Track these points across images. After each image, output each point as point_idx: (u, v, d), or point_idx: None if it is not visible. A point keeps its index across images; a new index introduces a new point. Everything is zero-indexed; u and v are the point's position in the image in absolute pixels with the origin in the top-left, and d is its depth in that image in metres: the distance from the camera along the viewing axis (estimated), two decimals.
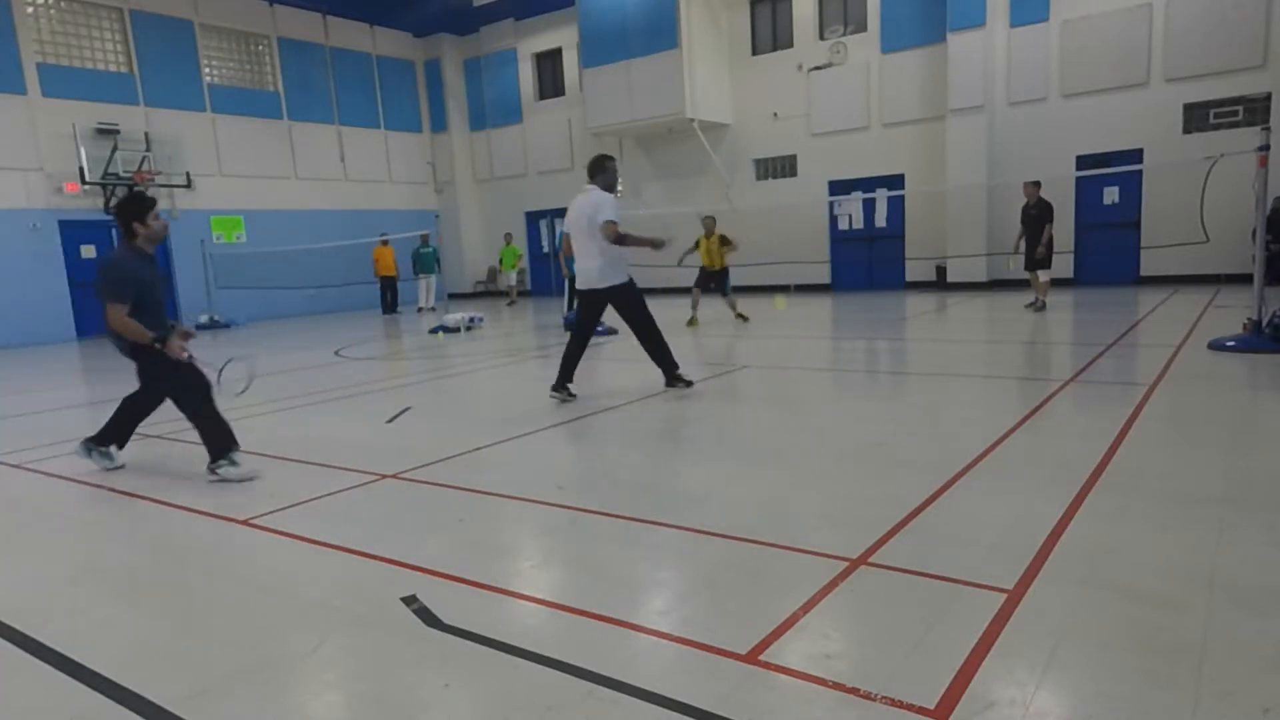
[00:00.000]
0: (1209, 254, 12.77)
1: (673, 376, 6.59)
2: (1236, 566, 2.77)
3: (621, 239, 6.15)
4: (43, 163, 15.25)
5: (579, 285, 6.50)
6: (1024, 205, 11.64)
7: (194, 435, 6.03)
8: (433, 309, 17.13)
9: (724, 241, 12.00)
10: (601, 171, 6.44)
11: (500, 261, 20.34)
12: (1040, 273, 11.51)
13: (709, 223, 12.15)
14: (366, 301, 19.37)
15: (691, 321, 11.95)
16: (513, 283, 20.06)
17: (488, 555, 3.32)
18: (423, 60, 22.63)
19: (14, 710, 2.29)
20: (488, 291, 23.04)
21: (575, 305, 12.54)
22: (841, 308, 14.08)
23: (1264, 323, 7.12)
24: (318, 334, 14.29)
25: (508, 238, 20.33)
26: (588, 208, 6.28)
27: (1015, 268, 12.35)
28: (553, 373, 6.75)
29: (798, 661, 2.29)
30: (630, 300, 6.42)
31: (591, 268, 6.33)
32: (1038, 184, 11.45)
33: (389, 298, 18.04)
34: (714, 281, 12.24)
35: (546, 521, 3.71)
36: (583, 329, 6.59)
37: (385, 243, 17.75)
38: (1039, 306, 11.46)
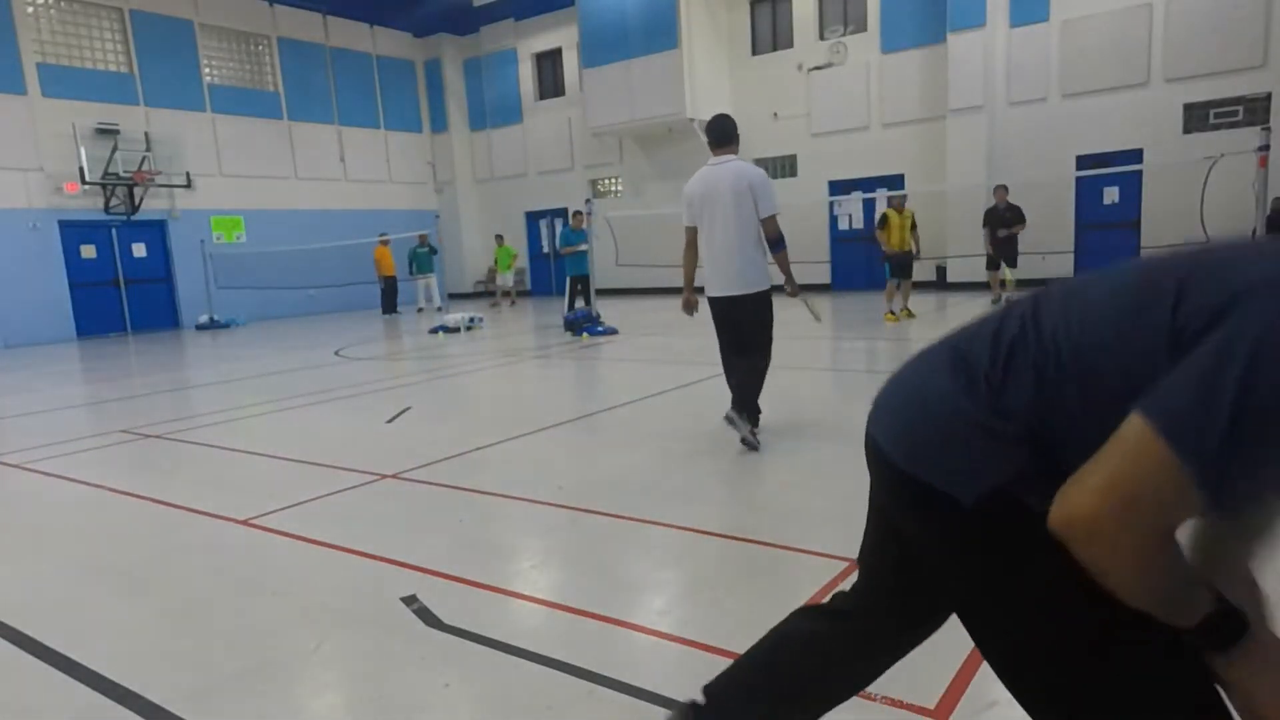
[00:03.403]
0: None
1: (748, 416, 4.73)
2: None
3: (782, 241, 4.73)
4: (43, 163, 15.24)
5: (708, 290, 4.86)
6: (992, 208, 12.15)
7: (193, 435, 6.06)
8: (438, 309, 17.12)
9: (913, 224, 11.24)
10: (737, 136, 4.78)
11: (495, 263, 20.03)
12: (1006, 269, 12.00)
13: (899, 200, 11.33)
14: (366, 301, 19.36)
15: (894, 315, 11.25)
16: (509, 284, 19.87)
17: (488, 555, 3.32)
18: (423, 60, 22.63)
19: (14, 710, 2.29)
20: (488, 291, 23.04)
21: (575, 305, 12.71)
22: (841, 307, 14.08)
23: None
24: (318, 334, 14.29)
25: (499, 239, 20.08)
26: (741, 183, 4.61)
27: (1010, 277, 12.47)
28: (552, 372, 6.74)
29: None
30: (765, 312, 4.83)
31: (731, 265, 4.69)
32: (1005, 187, 12.10)
33: (390, 298, 18.04)
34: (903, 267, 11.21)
35: (546, 521, 3.71)
36: (727, 350, 4.96)
37: (385, 243, 17.74)
38: (999, 300, 11.94)
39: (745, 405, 4.73)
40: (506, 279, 19.70)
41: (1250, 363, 0.81)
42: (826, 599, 1.60)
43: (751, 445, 4.62)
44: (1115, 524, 0.87)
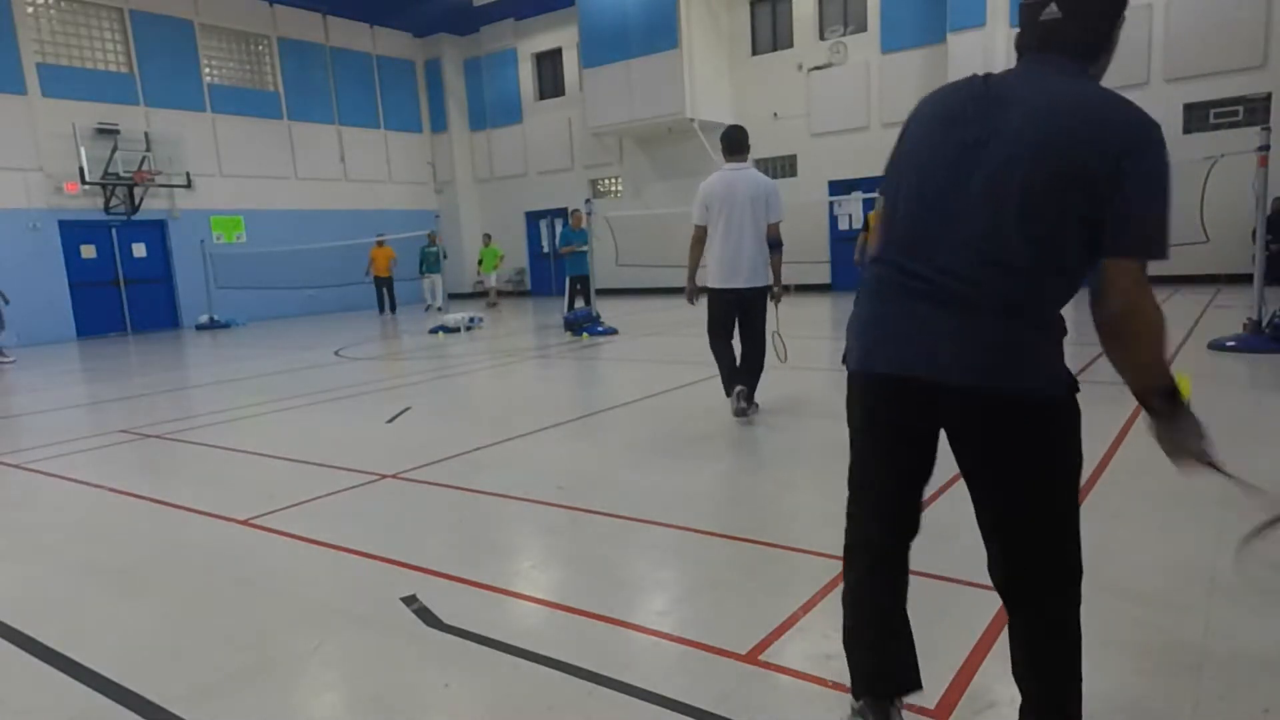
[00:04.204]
0: (1209, 254, 12.73)
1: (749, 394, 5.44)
2: (1236, 567, 2.76)
3: (781, 244, 5.27)
4: (43, 163, 15.23)
5: (715, 283, 5.28)
6: None
7: (193, 435, 6.06)
8: (439, 308, 17.11)
9: None
10: (749, 146, 5.37)
11: (480, 263, 19.74)
12: None
13: None
14: (366, 301, 19.32)
15: None
16: (493, 284, 19.61)
17: (488, 555, 3.32)
18: (423, 60, 22.62)
19: (14, 710, 2.29)
20: (486, 292, 23.00)
21: (575, 305, 12.70)
22: (841, 307, 14.07)
23: (1264, 323, 7.12)
24: (318, 334, 14.29)
25: (486, 238, 19.93)
26: (758, 190, 5.15)
27: None
28: (552, 372, 6.75)
29: (798, 661, 2.29)
30: (765, 303, 5.39)
31: (743, 262, 5.17)
32: None
33: (386, 298, 18.02)
34: None
35: (546, 521, 3.71)
36: (721, 332, 5.42)
37: (381, 243, 17.70)
38: None
39: (754, 377, 5.39)
40: (489, 279, 19.53)
41: (1162, 192, 1.45)
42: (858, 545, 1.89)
43: (745, 413, 5.33)
44: (1149, 299, 1.45)
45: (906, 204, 1.62)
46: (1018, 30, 1.65)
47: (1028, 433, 1.54)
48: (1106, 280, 1.46)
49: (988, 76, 1.63)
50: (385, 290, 17.96)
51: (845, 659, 1.90)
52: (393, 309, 18.11)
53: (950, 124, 1.61)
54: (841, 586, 1.91)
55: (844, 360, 1.76)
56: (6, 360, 11.73)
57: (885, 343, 1.62)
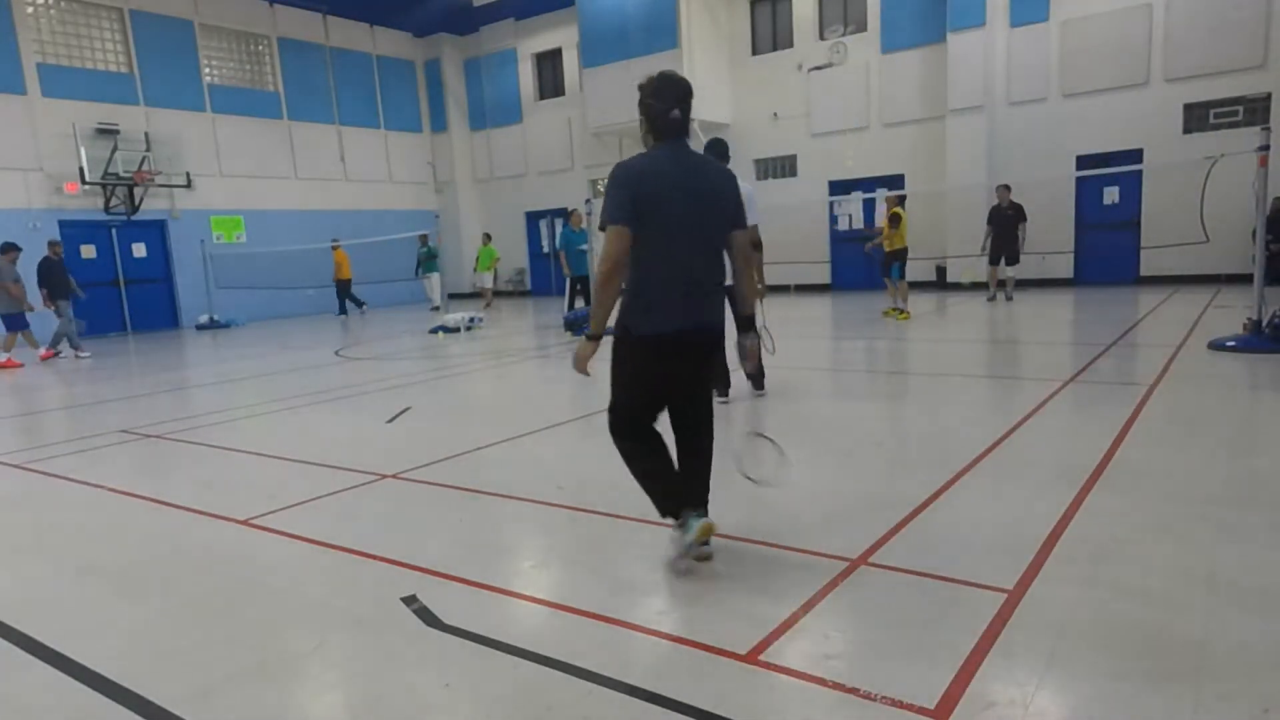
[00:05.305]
0: (1209, 254, 12.75)
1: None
2: (1236, 566, 2.77)
3: (760, 246, 5.99)
4: (43, 163, 15.23)
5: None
6: (995, 206, 12.88)
7: (193, 435, 6.06)
8: (435, 308, 17.08)
9: (894, 221, 11.21)
10: (729, 158, 5.97)
11: (476, 262, 19.66)
12: (1009, 269, 12.82)
13: (891, 199, 11.50)
14: (369, 302, 19.34)
15: (889, 312, 11.37)
16: (488, 284, 19.44)
17: (488, 555, 3.32)
18: (423, 60, 22.62)
19: (14, 709, 2.29)
20: (481, 292, 22.92)
21: (575, 304, 12.68)
22: (841, 307, 14.08)
23: (1264, 323, 7.12)
24: (317, 334, 14.29)
25: (486, 238, 19.90)
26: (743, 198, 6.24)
27: (976, 273, 13.49)
28: (552, 372, 6.75)
29: (798, 661, 2.29)
30: None
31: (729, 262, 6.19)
32: (1009, 187, 12.79)
33: (347, 300, 17.98)
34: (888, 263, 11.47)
35: (546, 521, 3.71)
36: None
37: (336, 246, 17.64)
38: (1008, 297, 12.87)
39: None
40: (484, 279, 19.47)
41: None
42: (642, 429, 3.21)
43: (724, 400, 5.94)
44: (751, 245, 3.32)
45: (677, 240, 2.84)
46: (654, 128, 2.89)
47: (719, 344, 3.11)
48: (740, 238, 3.03)
49: (678, 156, 2.86)
50: (344, 292, 17.89)
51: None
52: (343, 310, 18.00)
53: (682, 188, 2.81)
54: (630, 453, 3.34)
55: (630, 332, 3.11)
56: (84, 355, 12.41)
57: (680, 315, 2.94)
